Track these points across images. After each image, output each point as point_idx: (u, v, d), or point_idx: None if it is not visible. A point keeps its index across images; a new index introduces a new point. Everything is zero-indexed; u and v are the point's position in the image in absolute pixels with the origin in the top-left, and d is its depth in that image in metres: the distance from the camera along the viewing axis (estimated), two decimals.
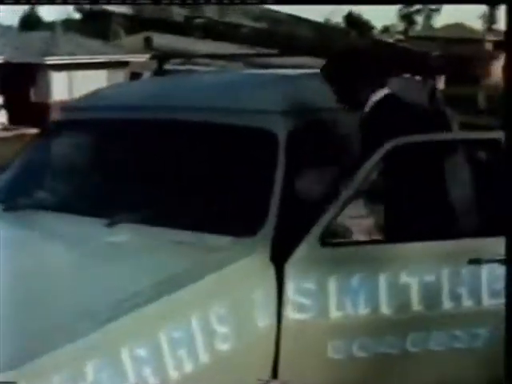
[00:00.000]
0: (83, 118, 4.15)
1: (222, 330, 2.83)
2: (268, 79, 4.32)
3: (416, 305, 3.26)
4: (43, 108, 25.40)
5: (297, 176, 3.51)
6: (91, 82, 25.76)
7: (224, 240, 3.19)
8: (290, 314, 3.13)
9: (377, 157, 3.35)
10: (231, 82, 4.34)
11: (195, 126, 3.68)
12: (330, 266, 3.20)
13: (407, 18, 70.92)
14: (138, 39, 31.15)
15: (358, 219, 3.32)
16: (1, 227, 3.69)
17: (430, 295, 3.27)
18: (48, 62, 25.97)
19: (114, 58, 27.33)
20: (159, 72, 4.95)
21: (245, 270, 3.07)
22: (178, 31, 4.14)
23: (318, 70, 3.88)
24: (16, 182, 4.26)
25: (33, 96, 26.55)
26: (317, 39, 4.42)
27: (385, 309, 3.24)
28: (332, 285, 3.18)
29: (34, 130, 24.25)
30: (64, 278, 2.99)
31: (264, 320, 3.05)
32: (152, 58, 5.10)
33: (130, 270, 2.99)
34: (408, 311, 3.27)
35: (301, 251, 3.18)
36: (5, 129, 24.12)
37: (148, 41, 4.80)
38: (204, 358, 2.74)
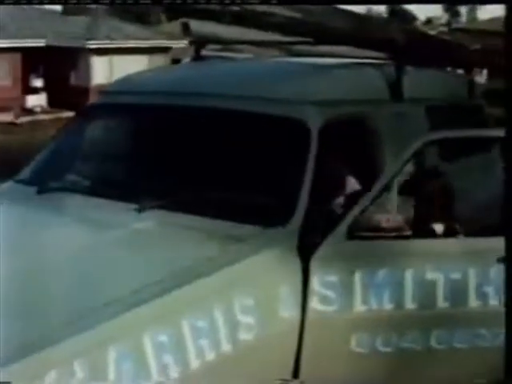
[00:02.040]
0: (116, 103, 4.16)
1: (245, 319, 2.84)
2: (302, 68, 4.28)
3: (441, 302, 3.23)
4: (83, 92, 25.58)
5: (328, 168, 3.48)
6: (131, 66, 25.98)
7: (252, 230, 3.18)
8: (315, 306, 3.12)
9: (408, 152, 3.32)
10: (265, 70, 4.33)
11: (227, 114, 3.68)
12: (356, 260, 3.19)
13: (451, 10, 70.04)
14: (178, 25, 31.17)
15: (387, 214, 3.29)
16: (33, 210, 3.73)
17: (456, 292, 3.24)
18: (89, 47, 26.14)
19: (154, 44, 27.41)
20: (196, 58, 4.93)
21: (271, 260, 3.06)
22: (214, 18, 4.12)
23: (355, 60, 3.83)
24: (49, 164, 4.29)
25: (73, 80, 26.74)
26: (355, 29, 4.37)
27: (409, 304, 3.22)
28: (357, 278, 3.17)
29: (72, 114, 24.57)
30: (90, 263, 3.00)
31: (289, 311, 3.05)
32: (190, 43, 5.09)
33: (156, 257, 3.01)
34: (433, 308, 3.24)
35: (327, 244, 3.17)
36: (44, 112, 24.34)
37: (185, 26, 4.79)
38: (226, 347, 2.75)
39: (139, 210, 3.38)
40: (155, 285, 2.67)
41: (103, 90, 4.62)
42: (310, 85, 3.82)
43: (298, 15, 3.87)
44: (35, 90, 25.47)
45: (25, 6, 25.46)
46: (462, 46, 6.10)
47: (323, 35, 4.30)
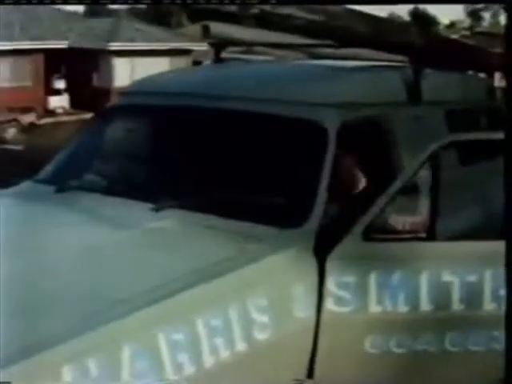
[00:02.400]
0: (136, 103, 4.19)
1: (261, 319, 2.85)
2: (321, 71, 4.30)
3: (456, 304, 3.23)
4: (105, 93, 25.73)
5: (344, 170, 3.50)
6: (153, 68, 26.03)
7: (269, 230, 3.20)
8: (330, 306, 3.13)
9: (424, 154, 3.32)
10: (284, 72, 4.34)
11: (246, 116, 3.70)
12: (372, 262, 3.20)
13: (474, 14, 69.68)
14: (199, 28, 31.30)
15: (403, 215, 3.29)
16: (51, 208, 3.77)
17: (472, 295, 3.24)
18: (111, 48, 26.29)
19: (176, 46, 27.51)
20: (216, 60, 4.96)
21: (288, 261, 3.08)
22: (234, 20, 4.15)
23: (374, 63, 3.83)
24: (68, 164, 4.34)
25: (95, 81, 26.91)
26: (375, 32, 4.38)
27: (424, 306, 3.22)
28: (373, 280, 3.18)
29: None
30: (108, 261, 3.02)
31: (304, 311, 3.06)
32: (210, 45, 5.11)
33: (173, 255, 3.03)
34: (448, 310, 3.24)
35: (344, 245, 3.18)
36: (66, 113, 24.50)
37: (205, 29, 4.82)
38: (241, 346, 2.76)
39: (156, 210, 3.40)
40: (172, 283, 2.69)
41: (123, 91, 4.66)
42: (328, 87, 3.83)
43: (319, 18, 3.90)
44: (57, 92, 25.64)
45: (46, 8, 25.69)
46: (484, 49, 6.09)
47: (344, 38, 4.32)
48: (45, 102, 25.12)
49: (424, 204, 3.37)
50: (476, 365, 3.29)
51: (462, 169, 3.75)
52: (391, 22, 4.56)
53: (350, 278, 3.15)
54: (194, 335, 2.61)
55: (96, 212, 3.62)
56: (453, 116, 4.41)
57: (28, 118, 22.10)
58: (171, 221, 3.33)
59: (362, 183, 3.70)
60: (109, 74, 26.67)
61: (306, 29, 4.15)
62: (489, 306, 3.24)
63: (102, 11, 31.26)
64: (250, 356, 2.80)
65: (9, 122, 20.76)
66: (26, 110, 22.30)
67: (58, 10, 27.10)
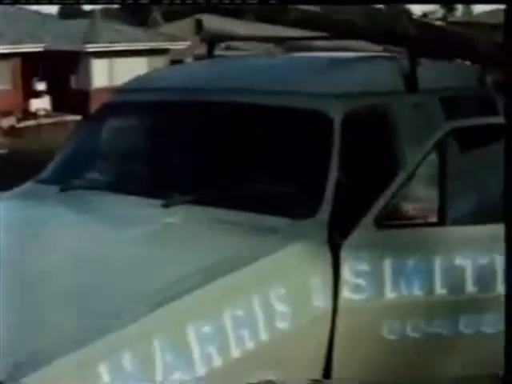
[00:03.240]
0: (139, 100, 4.17)
1: (281, 309, 2.87)
2: (322, 62, 4.33)
3: (470, 287, 3.28)
4: (84, 95, 25.64)
5: (351, 158, 3.52)
6: (131, 69, 26.00)
7: (281, 221, 3.22)
8: (346, 294, 3.16)
9: (432, 141, 3.36)
10: (287, 64, 4.37)
11: (251, 108, 3.72)
12: (386, 248, 3.23)
13: (446, 5, 69.86)
14: (176, 27, 31.28)
15: (414, 202, 3.33)
16: (58, 208, 3.77)
17: (484, 278, 3.28)
18: (88, 50, 26.17)
19: (153, 46, 27.44)
20: (210, 56, 4.95)
21: (303, 251, 3.10)
22: (233, 14, 4.16)
23: (373, 54, 3.86)
24: (71, 163, 4.32)
25: (74, 83, 26.77)
26: (367, 24, 4.42)
27: (439, 291, 3.25)
28: (387, 266, 3.21)
29: (74, 117, 24.57)
30: (126, 258, 3.02)
31: (321, 300, 3.08)
32: (202, 40, 5.12)
33: (190, 249, 3.05)
34: (462, 293, 3.28)
35: (357, 233, 3.21)
36: (45, 116, 24.36)
37: (198, 23, 4.83)
38: (264, 336, 2.79)
39: (166, 206, 3.41)
40: (194, 277, 2.71)
41: (121, 88, 4.65)
42: (331, 78, 3.87)
43: (318, 10, 3.92)
44: (39, 94, 25.47)
45: (22, 11, 25.54)
46: (475, 38, 6.13)
47: (338, 29, 4.35)
48: (24, 106, 24.95)
49: (433, 190, 3.40)
50: (490, 347, 3.33)
51: (467, 154, 3.78)
52: (381, 12, 4.57)
53: (365, 266, 3.18)
54: (221, 327, 2.63)
55: (104, 210, 3.61)
56: (448, 103, 4.46)
57: (8, 122, 21.98)
58: (183, 216, 3.34)
59: (369, 171, 3.73)
60: (87, 75, 26.55)
61: (303, 21, 4.16)
62: (501, 288, 3.28)
63: (78, 12, 31.10)
64: (272, 345, 2.82)
65: None
66: (5, 113, 22.17)
67: (36, 12, 26.96)
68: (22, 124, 22.80)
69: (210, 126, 3.82)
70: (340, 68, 4.13)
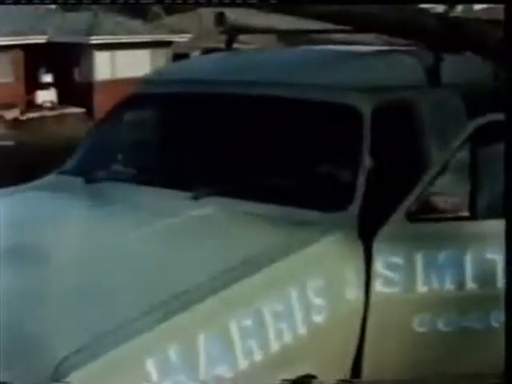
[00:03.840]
0: (166, 92, 4.15)
1: (317, 303, 2.88)
2: (349, 56, 4.33)
3: (501, 281, 3.28)
4: (86, 87, 25.60)
5: (380, 152, 3.53)
6: (133, 61, 26.03)
7: (313, 215, 3.22)
8: (379, 288, 3.17)
9: (464, 134, 3.37)
10: (314, 57, 4.36)
11: (281, 101, 3.71)
12: (417, 242, 3.24)
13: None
14: (179, 19, 31.28)
15: (446, 195, 3.34)
16: (85, 200, 3.77)
17: None
18: (91, 42, 26.11)
19: (156, 38, 27.38)
20: (227, 48, 4.94)
21: (336, 245, 3.11)
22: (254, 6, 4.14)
23: (394, 48, 3.85)
24: (94, 154, 4.32)
25: (76, 75, 26.71)
26: (389, 17, 4.39)
27: (470, 285, 3.26)
28: (419, 260, 3.22)
29: (77, 110, 24.56)
30: (155, 251, 3.02)
31: (354, 294, 3.09)
32: (221, 33, 5.08)
33: (223, 243, 3.05)
34: (493, 288, 3.28)
35: (389, 227, 3.22)
36: (49, 108, 24.32)
37: (220, 16, 4.80)
38: (302, 329, 2.80)
39: (195, 198, 3.41)
40: (232, 270, 2.71)
41: (144, 80, 4.63)
42: (359, 72, 3.87)
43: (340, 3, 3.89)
44: (45, 86, 25.37)
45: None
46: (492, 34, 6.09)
47: (362, 23, 4.32)
48: (29, 98, 24.90)
49: (464, 183, 3.41)
50: None
51: (497, 148, 3.79)
52: (405, 6, 4.55)
53: (397, 259, 3.19)
54: (261, 320, 2.63)
55: (133, 202, 3.58)
56: (469, 98, 4.46)
57: (11, 114, 21.95)
58: (213, 208, 3.34)
59: (397, 165, 3.73)
60: (90, 67, 26.49)
61: (326, 14, 4.14)
62: None
63: (80, 5, 31.00)
64: (308, 339, 2.83)
65: None
66: (8, 106, 22.13)
67: (38, 5, 26.86)
68: (26, 116, 22.75)
69: (240, 118, 3.81)
70: (366, 62, 4.14)
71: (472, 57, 5.52)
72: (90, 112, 24.67)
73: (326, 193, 3.36)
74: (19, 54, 25.82)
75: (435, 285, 3.24)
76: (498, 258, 3.25)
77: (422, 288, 3.22)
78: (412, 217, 3.24)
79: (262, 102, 3.75)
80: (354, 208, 3.27)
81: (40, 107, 24.18)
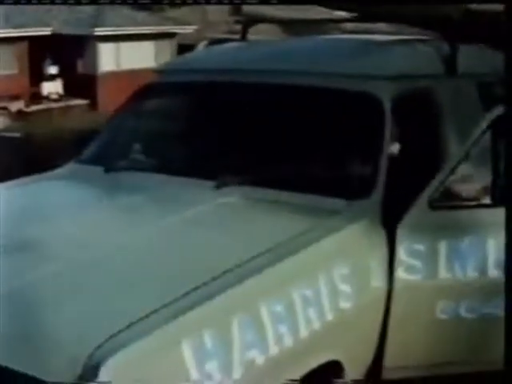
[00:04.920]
0: (187, 81, 4.17)
1: (343, 289, 2.91)
2: (369, 45, 4.35)
3: None
4: (90, 79, 25.57)
5: (402, 140, 3.55)
6: (138, 53, 26.02)
7: (337, 203, 3.25)
8: (401, 275, 3.19)
9: (484, 123, 3.39)
10: (334, 47, 4.38)
11: (303, 90, 3.74)
12: (440, 229, 3.26)
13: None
14: (183, 11, 31.21)
15: (467, 183, 3.36)
16: (106, 189, 3.78)
17: None
18: (95, 34, 26.06)
19: (160, 30, 27.33)
20: (243, 38, 4.95)
21: (360, 232, 3.14)
22: None
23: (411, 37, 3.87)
24: (111, 144, 4.34)
25: (80, 67, 26.67)
26: (413, 8, 4.41)
27: (492, 272, 3.28)
28: (442, 247, 3.25)
29: (81, 101, 24.54)
30: (182, 239, 3.03)
31: (378, 281, 3.12)
32: (237, 22, 5.11)
33: (250, 230, 3.07)
34: None
35: (412, 214, 3.24)
36: (54, 100, 24.30)
37: (237, 6, 4.81)
38: (329, 315, 2.82)
39: (219, 186, 3.43)
40: (261, 256, 2.73)
41: (161, 69, 4.64)
42: (379, 60, 3.89)
43: None
44: (50, 78, 25.32)
45: None
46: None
47: (384, 13, 4.35)
48: (33, 90, 24.86)
49: (487, 171, 3.43)
50: None
51: None
52: None
53: (420, 246, 3.22)
54: (291, 306, 2.65)
55: (155, 191, 3.58)
56: (484, 88, 4.49)
57: (16, 106, 21.94)
58: (237, 197, 3.36)
59: (417, 153, 3.75)
60: (94, 59, 26.45)
61: (347, 2, 4.17)
62: None
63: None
64: (334, 325, 2.85)
65: None
66: (12, 97, 22.12)
67: None
68: (31, 108, 22.74)
69: (263, 107, 3.83)
70: (387, 50, 4.16)
71: (485, 47, 5.54)
72: (94, 103, 24.66)
73: (350, 181, 3.39)
74: (23, 46, 25.78)
75: (457, 272, 3.26)
76: None
77: (444, 275, 3.25)
78: (434, 204, 3.26)
79: (285, 91, 3.77)
80: (377, 196, 3.30)
81: (44, 99, 24.13)
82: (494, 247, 3.26)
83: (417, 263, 3.22)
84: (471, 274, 3.28)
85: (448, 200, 3.31)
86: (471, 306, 3.31)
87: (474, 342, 3.37)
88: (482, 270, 3.28)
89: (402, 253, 3.19)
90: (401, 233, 3.20)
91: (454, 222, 3.28)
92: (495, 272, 3.27)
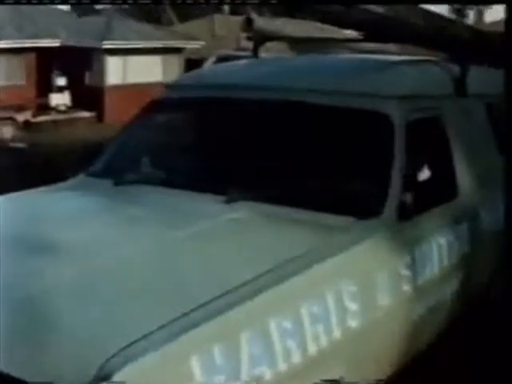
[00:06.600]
0: (198, 96, 4.19)
1: (351, 307, 2.91)
2: (381, 65, 4.38)
3: None
4: (97, 92, 25.64)
5: (412, 158, 3.56)
6: (145, 67, 26.11)
7: (347, 221, 3.26)
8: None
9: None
10: (347, 66, 4.40)
11: (314, 108, 3.75)
12: None
13: (459, 12, 69.78)
14: (191, 26, 31.36)
15: None
16: (115, 202, 3.78)
17: None
18: (103, 47, 26.17)
19: (168, 44, 27.41)
20: (254, 55, 4.98)
21: (369, 250, 3.15)
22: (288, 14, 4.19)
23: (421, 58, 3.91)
24: (121, 157, 4.34)
25: (88, 79, 26.76)
26: (421, 28, 4.45)
27: None
28: None
29: (88, 114, 24.60)
30: (192, 253, 3.02)
31: (387, 298, 3.13)
32: (249, 38, 5.15)
33: (259, 246, 3.06)
34: None
35: None
36: (60, 111, 24.37)
37: (248, 21, 4.85)
38: (337, 333, 2.82)
39: (228, 202, 3.43)
40: (270, 273, 2.72)
41: (172, 84, 4.66)
42: (391, 80, 3.93)
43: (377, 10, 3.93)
44: (58, 89, 25.39)
45: (40, 7, 25.60)
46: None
47: (395, 33, 4.37)
48: (41, 100, 24.91)
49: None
50: None
51: None
52: (441, 17, 4.60)
53: None
54: (299, 323, 2.65)
55: (165, 205, 3.58)
56: (491, 108, 4.54)
57: (23, 116, 21.98)
58: (247, 212, 3.36)
59: (429, 171, 3.77)
60: (101, 72, 26.53)
61: (358, 24, 4.19)
62: None
63: (92, 9, 31.17)
64: (342, 343, 2.85)
65: (5, 119, 20.64)
66: (20, 108, 22.16)
67: (51, 8, 26.97)
68: (38, 119, 22.76)
69: (274, 124, 3.85)
70: (398, 70, 4.20)
71: (492, 68, 5.57)
72: (100, 116, 24.72)
73: (359, 199, 3.39)
74: (31, 57, 25.90)
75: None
76: None
77: None
78: None
79: (297, 109, 3.79)
80: (387, 214, 3.31)
81: (51, 110, 24.19)
82: None
83: None
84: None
85: None
86: None
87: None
88: None
89: None
90: None
91: None
92: None
